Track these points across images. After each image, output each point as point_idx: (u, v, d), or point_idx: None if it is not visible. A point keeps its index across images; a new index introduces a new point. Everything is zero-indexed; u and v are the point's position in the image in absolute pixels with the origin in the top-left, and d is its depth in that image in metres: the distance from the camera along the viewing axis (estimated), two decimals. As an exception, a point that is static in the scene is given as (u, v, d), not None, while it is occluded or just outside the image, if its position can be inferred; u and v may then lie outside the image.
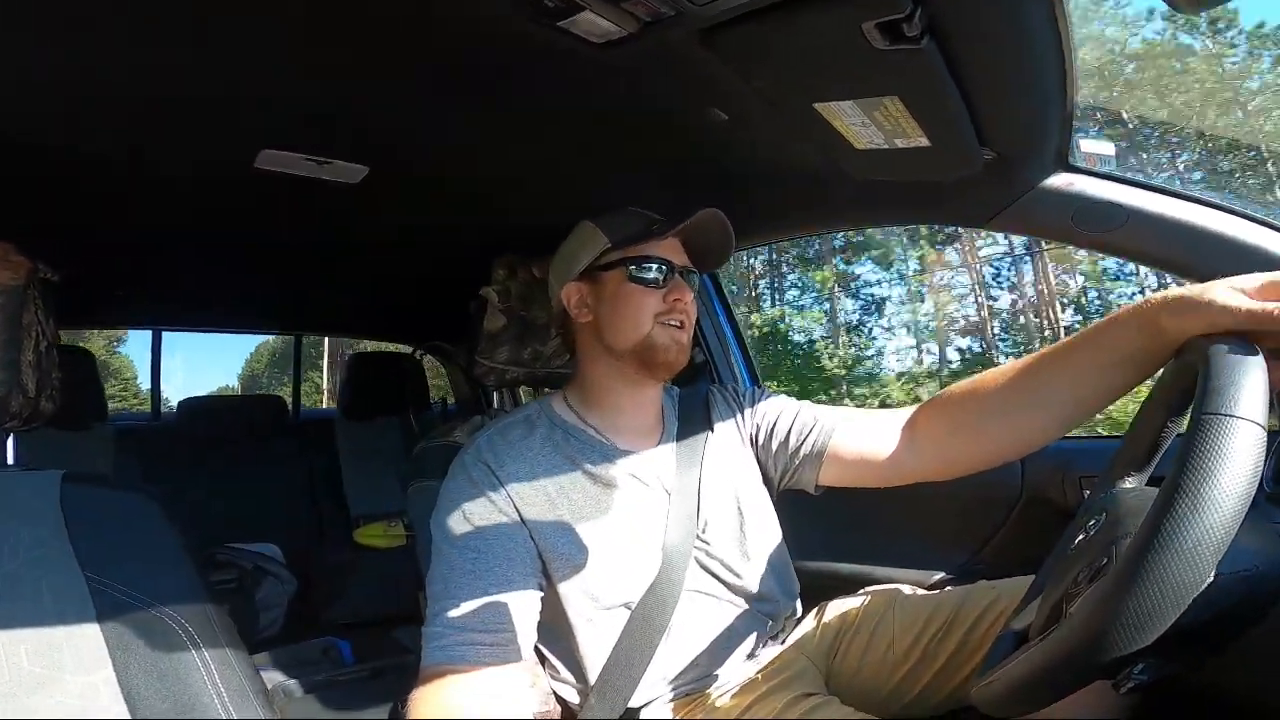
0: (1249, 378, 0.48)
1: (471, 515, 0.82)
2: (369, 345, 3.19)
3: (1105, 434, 1.38)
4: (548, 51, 0.73)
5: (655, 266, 0.90)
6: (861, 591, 1.01)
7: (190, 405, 2.58)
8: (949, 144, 0.85)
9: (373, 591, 2.07)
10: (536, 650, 0.87)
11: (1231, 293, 0.58)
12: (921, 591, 0.98)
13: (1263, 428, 0.45)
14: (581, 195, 1.15)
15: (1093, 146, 0.93)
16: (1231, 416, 0.45)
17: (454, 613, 0.77)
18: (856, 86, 0.73)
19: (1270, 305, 0.55)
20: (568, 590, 0.84)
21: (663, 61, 0.75)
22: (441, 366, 2.93)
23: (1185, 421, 0.58)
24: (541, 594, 0.83)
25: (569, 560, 0.84)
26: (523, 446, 0.89)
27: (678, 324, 0.90)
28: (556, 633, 0.86)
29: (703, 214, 0.89)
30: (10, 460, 0.93)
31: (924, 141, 0.83)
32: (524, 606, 0.80)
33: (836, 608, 0.99)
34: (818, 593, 1.04)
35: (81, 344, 2.83)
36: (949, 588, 0.96)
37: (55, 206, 1.18)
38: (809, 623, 0.99)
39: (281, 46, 0.76)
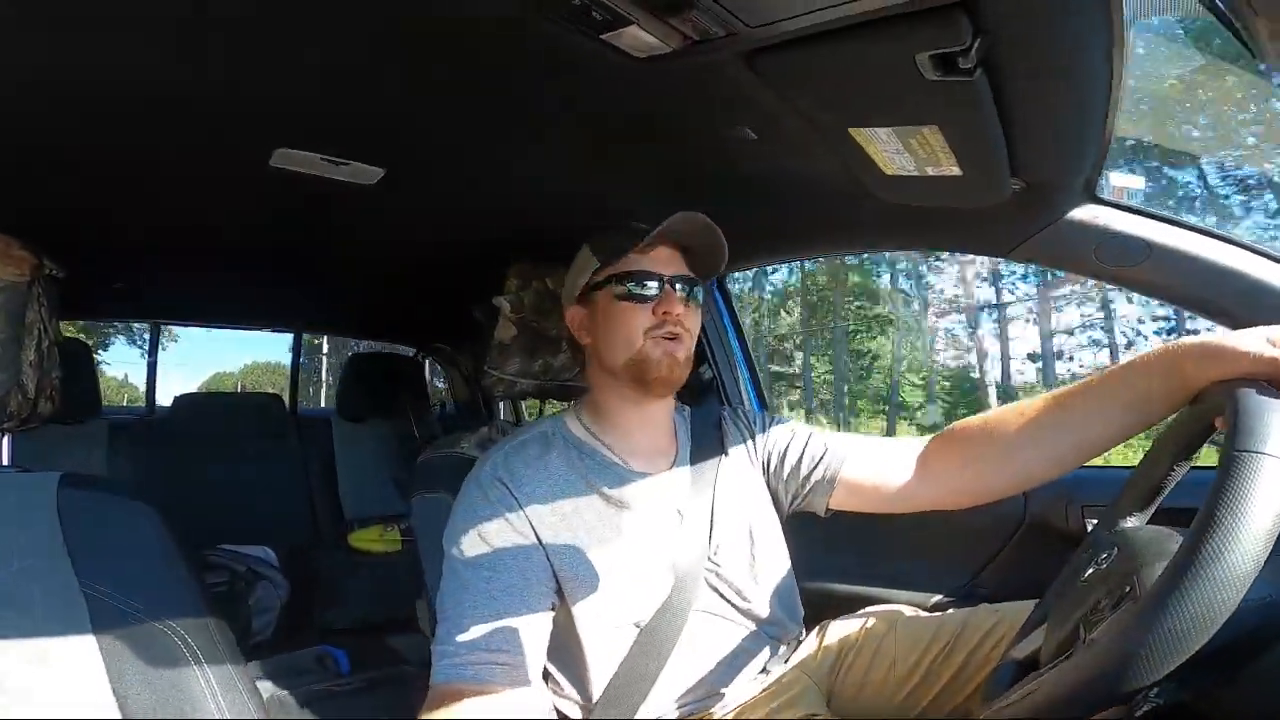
0: (1278, 417, 0.50)
1: (488, 535, 0.81)
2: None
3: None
4: (585, 61, 0.71)
5: (640, 281, 0.88)
6: (862, 612, 1.00)
7: (186, 401, 2.54)
8: (980, 174, 0.84)
9: (368, 597, 2.04)
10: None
11: (1264, 342, 0.60)
12: (922, 613, 0.98)
13: None
14: (598, 204, 1.14)
15: (1122, 180, 0.92)
16: (1263, 454, 0.47)
17: (466, 633, 0.76)
18: (898, 115, 0.72)
19: None
20: (579, 609, 0.83)
21: (700, 79, 0.74)
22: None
23: (1189, 466, 0.64)
24: (553, 614, 0.82)
25: (583, 581, 0.83)
26: (539, 465, 0.88)
27: (670, 336, 0.88)
28: (563, 649, 0.85)
29: (676, 218, 0.84)
30: (5, 461, 0.91)
31: (955, 170, 0.83)
32: (536, 628, 0.79)
33: (838, 628, 0.98)
34: (818, 612, 1.03)
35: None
36: (950, 610, 0.96)
37: (68, 202, 1.16)
38: (810, 643, 0.98)
39: (306, 47, 0.74)
